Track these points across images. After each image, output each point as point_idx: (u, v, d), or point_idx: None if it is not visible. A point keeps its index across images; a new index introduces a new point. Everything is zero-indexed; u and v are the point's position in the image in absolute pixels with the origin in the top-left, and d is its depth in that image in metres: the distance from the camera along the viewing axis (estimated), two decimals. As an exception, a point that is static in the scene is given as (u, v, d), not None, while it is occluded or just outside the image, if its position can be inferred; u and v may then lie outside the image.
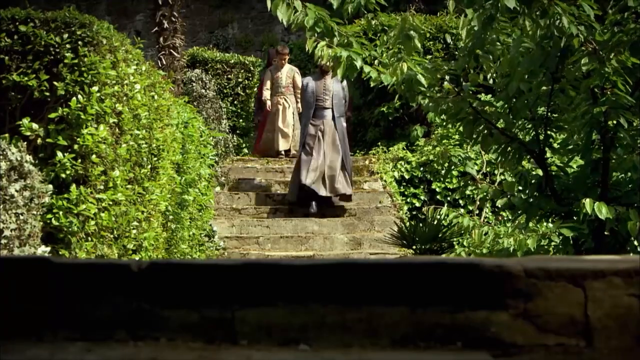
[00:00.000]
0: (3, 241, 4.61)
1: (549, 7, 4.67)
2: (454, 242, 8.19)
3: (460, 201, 10.88)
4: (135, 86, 5.95)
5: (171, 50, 11.04)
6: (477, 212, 9.99)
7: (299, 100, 11.91)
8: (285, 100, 12.25)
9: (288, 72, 12.40)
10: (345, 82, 10.31)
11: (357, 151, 12.55)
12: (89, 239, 5.34)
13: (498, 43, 5.22)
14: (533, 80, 5.09)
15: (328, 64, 8.93)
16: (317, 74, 10.76)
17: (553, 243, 5.59)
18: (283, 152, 12.19)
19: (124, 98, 5.79)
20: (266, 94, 12.32)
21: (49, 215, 5.11)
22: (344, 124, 10.77)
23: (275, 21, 14.30)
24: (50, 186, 5.09)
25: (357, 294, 1.99)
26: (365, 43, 5.57)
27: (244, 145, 13.29)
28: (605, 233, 5.17)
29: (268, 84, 12.39)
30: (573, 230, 4.95)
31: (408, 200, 11.13)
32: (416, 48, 5.28)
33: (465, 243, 8.56)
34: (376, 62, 5.57)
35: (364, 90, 12.56)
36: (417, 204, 11.04)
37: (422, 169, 11.23)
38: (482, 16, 4.97)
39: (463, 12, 5.23)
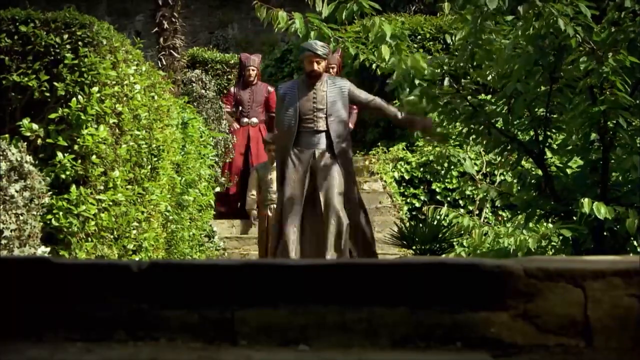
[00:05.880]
0: (3, 242, 4.61)
1: (543, 8, 4.68)
2: (454, 243, 8.19)
3: (460, 201, 10.88)
4: (136, 87, 5.95)
5: (171, 51, 11.03)
6: (477, 212, 10.00)
7: None
8: None
9: None
10: (348, 83, 6.90)
11: (357, 151, 12.56)
12: (89, 239, 5.34)
13: (494, 43, 5.24)
14: (531, 81, 5.09)
15: (319, 67, 6.54)
16: (301, 80, 6.93)
17: (552, 243, 5.60)
18: None
19: (124, 98, 5.79)
20: (251, 201, 9.07)
21: (49, 216, 5.11)
22: (349, 154, 6.84)
23: (275, 21, 14.27)
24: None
25: (357, 294, 1.99)
26: (361, 45, 5.58)
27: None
28: (605, 233, 5.17)
29: (254, 187, 8.88)
30: (572, 231, 4.95)
31: (408, 200, 11.12)
32: (395, 50, 5.27)
33: (465, 243, 8.55)
34: (374, 66, 5.58)
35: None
36: (417, 205, 11.03)
37: (422, 169, 11.23)
38: (476, 17, 4.99)
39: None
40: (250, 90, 10.54)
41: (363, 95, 6.87)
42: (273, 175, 8.41)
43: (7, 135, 5.05)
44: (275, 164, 7.98)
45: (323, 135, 6.71)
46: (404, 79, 5.29)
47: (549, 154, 5.67)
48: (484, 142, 5.51)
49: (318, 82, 6.79)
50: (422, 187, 11.23)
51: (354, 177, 6.90)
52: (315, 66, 6.73)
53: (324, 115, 6.71)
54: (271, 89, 10.54)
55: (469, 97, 5.33)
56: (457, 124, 5.52)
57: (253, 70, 10.54)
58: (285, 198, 6.65)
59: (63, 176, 5.21)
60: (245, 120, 10.49)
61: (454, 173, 10.87)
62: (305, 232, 6.63)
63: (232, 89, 10.82)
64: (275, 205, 7.90)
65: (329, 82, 6.84)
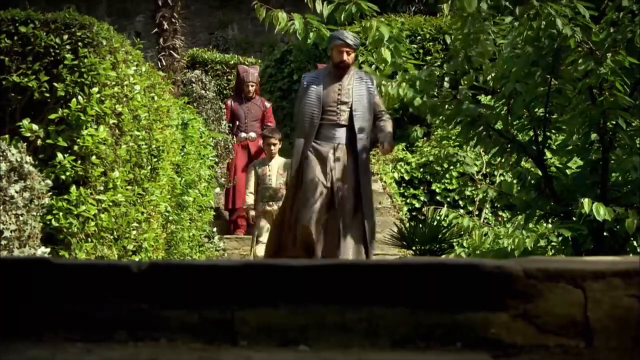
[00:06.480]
0: (3, 242, 4.61)
1: (541, 9, 4.68)
2: (454, 243, 8.20)
3: (460, 202, 10.88)
4: (135, 87, 5.94)
5: (171, 52, 11.04)
6: (476, 212, 10.00)
7: None
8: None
9: (280, 169, 8.32)
10: (374, 82, 6.27)
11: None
12: (89, 240, 5.34)
13: (493, 44, 5.24)
14: (530, 82, 5.10)
15: (348, 58, 6.29)
16: (328, 71, 6.64)
17: (552, 243, 5.60)
18: None
19: (124, 99, 5.79)
20: (250, 199, 8.58)
21: (49, 217, 5.11)
22: (368, 151, 6.62)
23: (275, 22, 14.23)
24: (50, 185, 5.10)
25: (357, 294, 1.99)
26: (361, 47, 5.59)
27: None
28: (605, 234, 5.18)
29: (252, 185, 8.56)
30: (572, 231, 4.96)
31: (408, 201, 11.12)
32: (398, 53, 5.28)
33: (465, 244, 8.56)
34: (373, 67, 5.59)
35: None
36: (417, 205, 11.03)
37: (421, 169, 11.23)
38: (472, 17, 4.99)
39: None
40: (247, 105, 10.24)
41: (380, 106, 6.51)
42: (272, 171, 8.50)
43: (7, 136, 5.05)
44: (272, 160, 8.46)
45: (344, 129, 6.48)
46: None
47: (548, 155, 5.67)
48: (484, 145, 5.52)
49: (345, 74, 6.52)
50: (421, 187, 11.22)
51: (370, 174, 6.69)
52: (345, 56, 6.45)
53: (348, 109, 6.46)
54: (268, 104, 10.39)
55: (467, 102, 5.33)
56: (457, 128, 5.53)
57: (252, 85, 10.24)
58: (305, 200, 6.38)
59: (63, 177, 5.21)
60: (243, 135, 10.21)
61: (454, 173, 10.87)
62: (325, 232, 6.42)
63: (228, 102, 10.49)
64: (272, 203, 8.23)
65: (356, 76, 6.55)
